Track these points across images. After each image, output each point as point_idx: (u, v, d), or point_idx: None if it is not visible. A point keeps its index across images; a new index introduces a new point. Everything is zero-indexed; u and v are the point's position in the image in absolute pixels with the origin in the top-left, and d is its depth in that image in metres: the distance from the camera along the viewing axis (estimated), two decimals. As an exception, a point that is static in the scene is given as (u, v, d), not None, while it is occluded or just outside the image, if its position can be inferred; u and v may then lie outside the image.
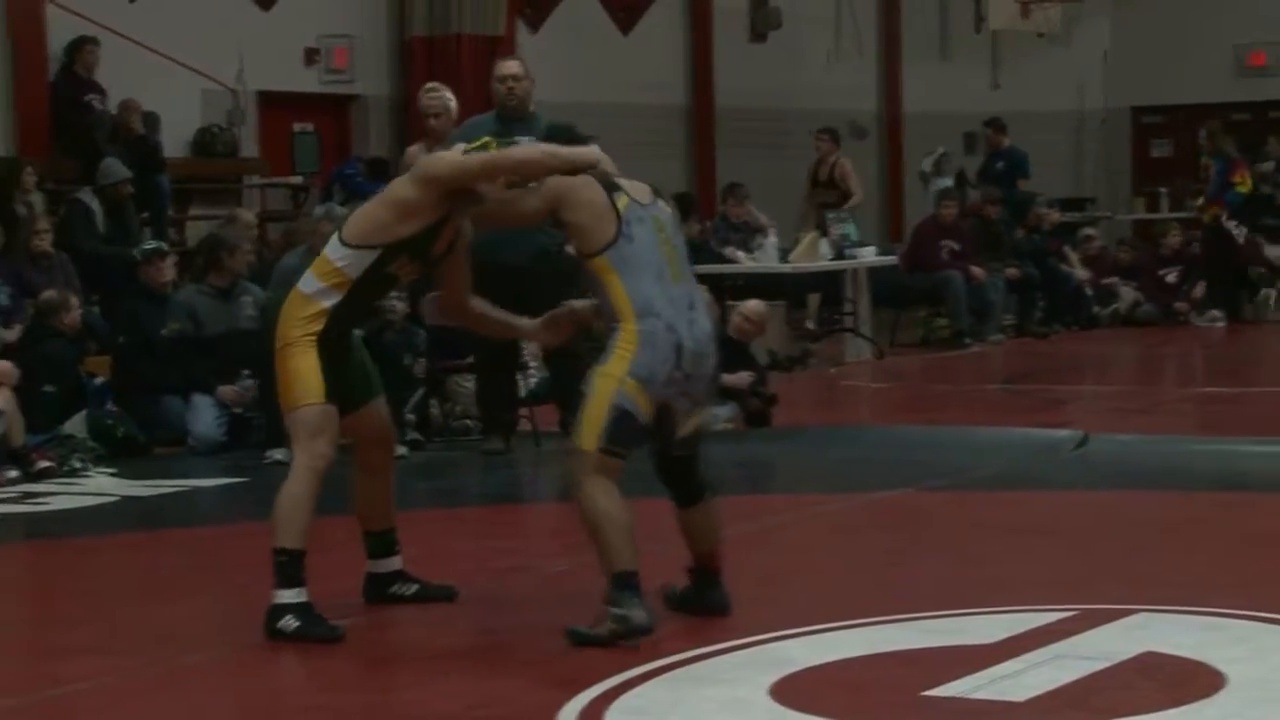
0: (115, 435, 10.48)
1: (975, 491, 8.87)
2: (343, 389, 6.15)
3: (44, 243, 12.07)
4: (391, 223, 6.05)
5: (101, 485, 9.60)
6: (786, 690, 5.27)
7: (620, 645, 5.73)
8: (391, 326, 10.57)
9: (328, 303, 6.07)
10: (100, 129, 13.89)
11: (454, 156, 6.18)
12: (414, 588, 6.51)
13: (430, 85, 11.52)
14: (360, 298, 6.16)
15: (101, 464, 10.11)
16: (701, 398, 6.09)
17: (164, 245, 11.42)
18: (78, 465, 9.92)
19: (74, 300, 10.98)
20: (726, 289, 14.85)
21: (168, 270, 11.17)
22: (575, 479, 5.90)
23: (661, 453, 6.11)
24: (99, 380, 11.21)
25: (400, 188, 6.15)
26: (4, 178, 12.70)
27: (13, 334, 11.12)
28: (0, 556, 8.17)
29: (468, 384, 10.68)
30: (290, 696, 5.56)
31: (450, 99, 11.15)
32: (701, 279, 14.62)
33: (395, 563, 6.53)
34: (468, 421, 10.76)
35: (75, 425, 10.42)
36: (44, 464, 9.73)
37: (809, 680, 5.41)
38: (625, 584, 5.82)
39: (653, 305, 5.93)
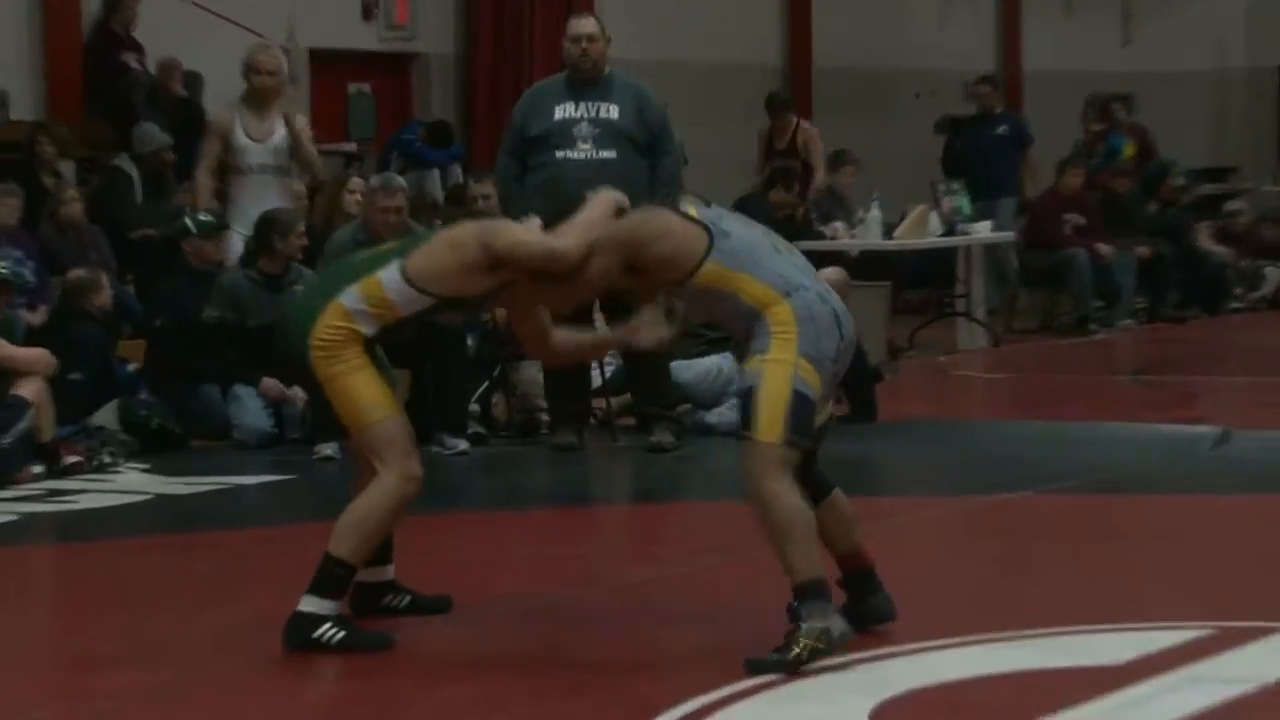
0: (149, 427, 10.54)
1: (1101, 495, 8.82)
2: None
3: (73, 212, 12.14)
4: (455, 273, 6.01)
5: (134, 482, 9.66)
6: (889, 714, 5.25)
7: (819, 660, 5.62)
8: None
9: (365, 329, 6.04)
10: (137, 90, 13.97)
11: (518, 234, 6.06)
12: (407, 599, 6.50)
13: (264, 44, 11.72)
14: (396, 332, 6.15)
15: (134, 458, 10.18)
16: (838, 379, 6.04)
17: (215, 222, 11.30)
18: (108, 460, 9.99)
19: (105, 279, 11.04)
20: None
21: (215, 250, 11.16)
22: (756, 475, 5.76)
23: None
24: (132, 367, 11.29)
25: (466, 235, 6.07)
26: (30, 144, 12.78)
27: (39, 316, 11.19)
28: (26, 559, 8.25)
29: (534, 372, 10.67)
30: (336, 713, 5.58)
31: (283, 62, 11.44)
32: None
33: (388, 572, 6.51)
34: (540, 414, 10.74)
35: (105, 416, 10.48)
36: (71, 459, 9.80)
37: (914, 703, 5.39)
38: (819, 592, 5.71)
39: (793, 279, 5.87)
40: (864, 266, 14.82)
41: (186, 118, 13.87)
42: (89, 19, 14.33)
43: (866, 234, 14.84)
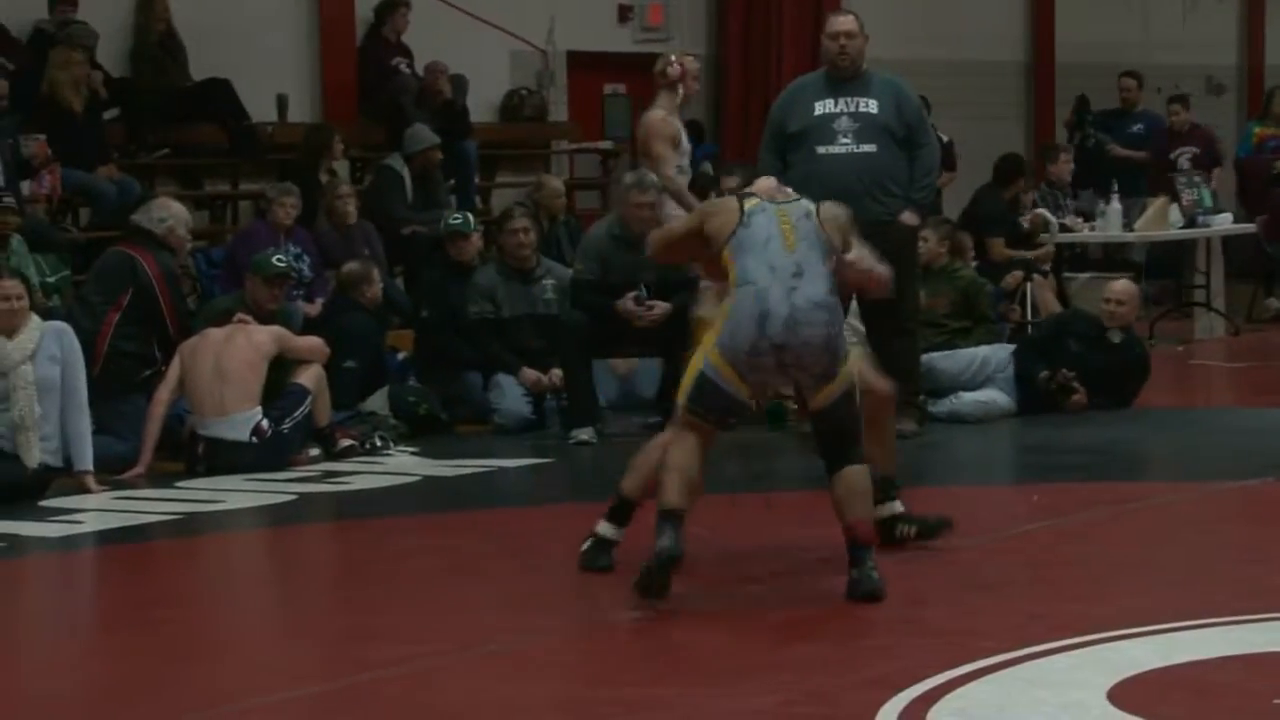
0: (417, 413, 10.72)
1: (1341, 482, 8.64)
2: None
3: (347, 209, 12.34)
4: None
5: (403, 464, 9.84)
6: (1126, 694, 5.21)
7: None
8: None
9: None
10: (406, 93, 14.18)
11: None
12: (914, 527, 7.08)
13: (687, 53, 11.48)
14: None
15: (403, 442, 10.37)
16: (821, 368, 6.42)
17: (468, 222, 11.50)
18: (379, 443, 10.18)
19: (376, 273, 11.24)
20: (1065, 260, 14.64)
21: (471, 248, 11.35)
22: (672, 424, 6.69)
23: (812, 427, 6.62)
24: (401, 356, 11.49)
25: None
26: (312, 145, 13.02)
27: (315, 308, 11.43)
28: (303, 537, 8.45)
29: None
30: (603, 688, 5.64)
31: None
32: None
33: (895, 506, 7.05)
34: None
35: (377, 402, 10.69)
36: (346, 442, 10.00)
37: (1152, 683, 5.34)
38: (665, 518, 6.37)
39: (749, 274, 6.46)
40: (1104, 259, 14.67)
41: (451, 119, 14.08)
42: (362, 25, 14.59)
43: (1107, 227, 14.63)
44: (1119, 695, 5.19)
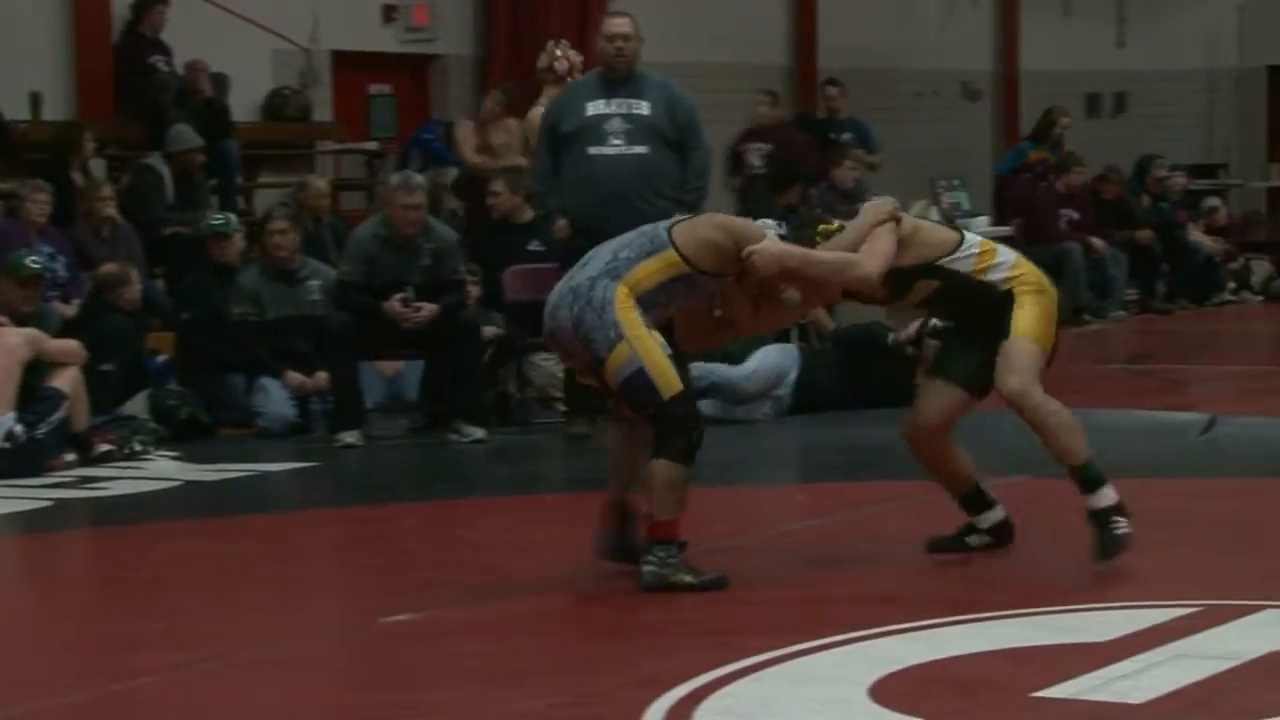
0: (178, 416, 10.60)
1: (1094, 479, 8.81)
2: None
3: (107, 209, 12.14)
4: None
5: (164, 469, 9.71)
6: (887, 690, 5.28)
7: None
8: (467, 305, 10.65)
9: None
10: (166, 91, 13.97)
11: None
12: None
13: (560, 42, 11.34)
14: None
15: (164, 446, 10.24)
16: (586, 353, 6.46)
17: (229, 223, 11.41)
18: (139, 448, 10.04)
19: (134, 274, 11.08)
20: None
21: (233, 249, 11.25)
22: None
23: None
24: (162, 358, 11.34)
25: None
26: (62, 143, 12.78)
27: (71, 310, 11.24)
28: (59, 544, 8.29)
29: (549, 363, 10.71)
30: (358, 693, 5.61)
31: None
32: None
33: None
34: (556, 404, 10.78)
35: (136, 405, 10.55)
36: (104, 447, 9.85)
37: (911, 679, 5.42)
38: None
39: None
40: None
41: (213, 118, 13.90)
42: (119, 22, 14.35)
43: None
44: (881, 691, 5.26)
